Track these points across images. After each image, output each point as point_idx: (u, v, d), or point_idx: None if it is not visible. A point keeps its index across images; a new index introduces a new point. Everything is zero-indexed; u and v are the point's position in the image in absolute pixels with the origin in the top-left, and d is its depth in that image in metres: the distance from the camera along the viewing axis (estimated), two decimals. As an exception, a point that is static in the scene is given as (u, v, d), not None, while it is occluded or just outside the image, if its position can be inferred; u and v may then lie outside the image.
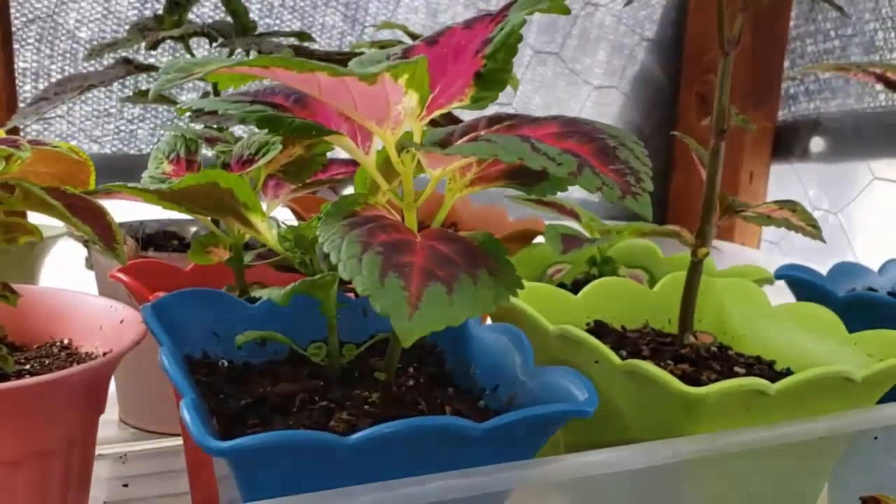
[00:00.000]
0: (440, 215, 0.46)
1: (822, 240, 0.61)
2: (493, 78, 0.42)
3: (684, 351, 0.63)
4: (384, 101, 0.39)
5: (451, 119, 1.07)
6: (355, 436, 0.39)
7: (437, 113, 0.43)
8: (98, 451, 0.88)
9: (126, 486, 0.83)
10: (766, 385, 0.51)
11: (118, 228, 0.58)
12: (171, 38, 0.92)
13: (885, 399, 0.62)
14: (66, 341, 0.67)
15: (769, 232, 1.61)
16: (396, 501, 0.42)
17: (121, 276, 0.72)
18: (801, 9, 1.48)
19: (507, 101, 1.59)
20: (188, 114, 0.79)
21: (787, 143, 1.53)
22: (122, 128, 1.22)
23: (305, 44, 1.02)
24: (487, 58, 0.42)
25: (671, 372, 0.60)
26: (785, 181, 1.56)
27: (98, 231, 0.55)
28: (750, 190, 1.55)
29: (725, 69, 0.58)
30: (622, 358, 0.58)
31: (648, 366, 0.52)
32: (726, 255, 1.49)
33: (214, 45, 0.93)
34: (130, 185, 0.53)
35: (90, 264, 0.98)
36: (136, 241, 0.88)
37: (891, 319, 0.72)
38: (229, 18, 0.99)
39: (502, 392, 0.53)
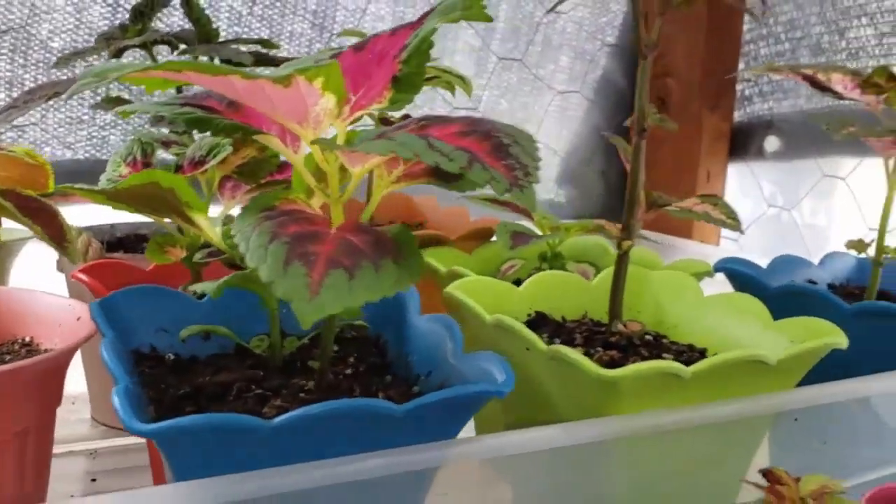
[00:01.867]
0: (368, 209, 0.48)
1: (741, 231, 0.63)
2: (408, 81, 0.44)
3: (613, 338, 0.64)
4: (302, 103, 0.41)
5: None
6: (277, 419, 0.41)
7: (359, 113, 0.45)
8: (69, 447, 0.89)
9: (94, 480, 0.84)
10: (681, 368, 0.52)
11: (70, 229, 0.59)
12: (134, 46, 0.93)
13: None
14: (27, 339, 0.68)
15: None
16: (322, 480, 0.43)
17: (81, 276, 0.73)
18: (755, 12, 1.50)
19: (474, 107, 1.61)
20: (153, 119, 0.80)
21: (744, 142, 1.56)
22: (95, 134, 1.23)
23: (269, 51, 1.04)
24: (403, 63, 0.44)
25: (600, 358, 0.62)
26: (742, 180, 1.58)
27: (49, 231, 0.56)
28: (707, 188, 1.57)
29: (644, 71, 0.60)
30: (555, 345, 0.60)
31: (569, 351, 0.54)
32: (685, 251, 1.51)
33: (175, 52, 0.94)
34: (76, 185, 0.55)
35: (61, 266, 0.99)
36: (101, 243, 0.89)
37: (818, 308, 0.74)
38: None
39: (435, 377, 0.54)
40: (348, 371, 0.55)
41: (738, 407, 0.56)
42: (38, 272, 1.19)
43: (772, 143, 1.49)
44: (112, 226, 1.07)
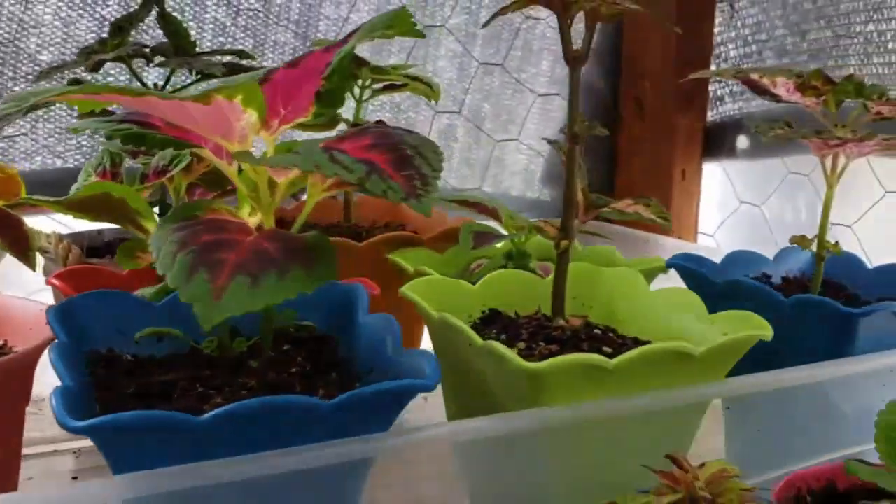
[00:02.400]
0: (302, 215, 0.50)
1: (671, 229, 0.64)
2: (330, 96, 0.46)
3: (555, 333, 0.66)
4: (224, 119, 0.43)
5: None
6: (206, 415, 0.43)
7: (285, 127, 0.47)
8: (55, 447, 0.91)
9: (76, 478, 0.86)
10: (603, 360, 0.54)
11: (34, 238, 0.61)
12: (112, 59, 0.95)
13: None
14: (1, 342, 0.70)
15: (707, 226, 1.65)
16: (258, 472, 0.45)
17: (55, 281, 0.75)
18: (724, 16, 1.52)
19: (457, 109, 1.62)
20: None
21: (717, 141, 1.57)
22: (84, 143, 1.25)
23: (244, 61, 1.06)
24: (326, 79, 0.46)
25: (540, 352, 0.64)
26: (716, 177, 1.60)
27: (10, 240, 0.58)
28: (683, 186, 1.59)
29: (574, 82, 0.61)
30: (499, 341, 0.62)
31: (498, 345, 0.55)
32: (662, 247, 1.52)
33: (152, 65, 0.96)
34: (35, 196, 0.56)
35: (46, 271, 1.01)
36: (81, 249, 0.91)
37: (759, 301, 0.76)
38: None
39: (376, 374, 0.56)
40: (294, 370, 0.57)
41: (664, 397, 0.57)
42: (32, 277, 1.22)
43: (742, 141, 1.50)
44: (100, 231, 1.09)
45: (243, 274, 0.38)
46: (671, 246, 1.53)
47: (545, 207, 1.74)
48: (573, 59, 0.60)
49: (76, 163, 1.26)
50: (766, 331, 0.62)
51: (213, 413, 0.43)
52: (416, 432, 0.50)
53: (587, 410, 0.53)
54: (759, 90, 0.79)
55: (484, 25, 0.64)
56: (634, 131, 1.65)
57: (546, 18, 1.63)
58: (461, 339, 0.61)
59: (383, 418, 0.49)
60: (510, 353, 0.54)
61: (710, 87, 1.57)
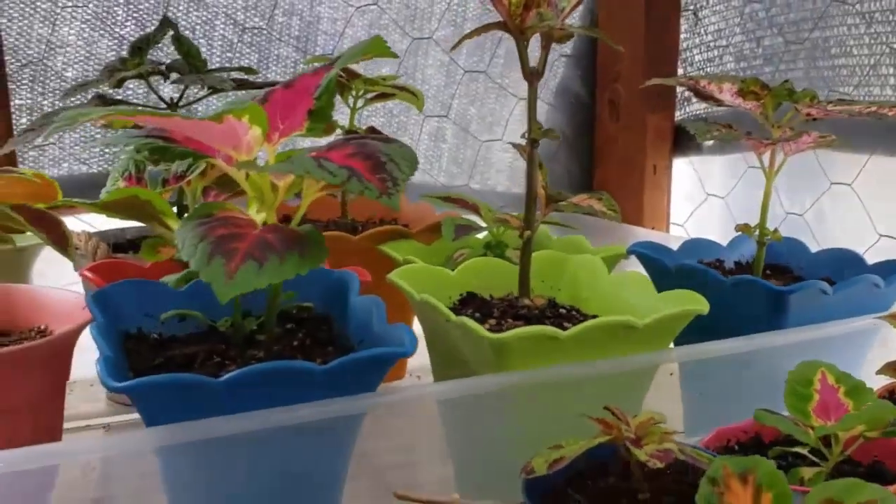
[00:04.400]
0: (299, 213, 0.56)
1: (619, 221, 0.71)
2: (320, 113, 0.53)
3: (522, 311, 0.73)
4: (234, 134, 0.49)
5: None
6: (224, 377, 0.50)
7: (283, 139, 0.54)
8: (87, 422, 0.98)
9: (105, 448, 0.93)
10: (556, 331, 0.61)
11: (71, 235, 0.68)
12: (132, 77, 1.02)
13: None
14: (42, 326, 0.77)
15: (678, 216, 1.72)
16: (265, 424, 0.52)
17: (87, 273, 0.82)
18: (689, 24, 1.58)
19: (445, 114, 1.69)
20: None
21: (685, 138, 1.63)
22: (106, 151, 1.32)
23: (250, 77, 1.13)
24: (317, 99, 0.53)
25: (508, 327, 0.71)
26: (685, 172, 1.67)
27: (52, 237, 0.65)
28: (654, 181, 1.66)
29: (532, 94, 0.68)
30: (473, 318, 0.69)
31: (468, 320, 0.62)
32: (636, 236, 1.59)
33: (167, 81, 1.03)
34: (75, 199, 0.63)
35: (77, 266, 1.07)
36: (108, 245, 0.98)
37: (706, 282, 0.83)
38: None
39: (364, 345, 0.63)
40: (296, 343, 0.64)
41: (609, 364, 0.64)
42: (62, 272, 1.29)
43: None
44: (123, 230, 1.16)
45: (251, 259, 0.45)
46: (642, 235, 1.60)
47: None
48: (530, 76, 0.67)
49: (100, 168, 1.33)
50: (702, 306, 0.69)
51: (228, 375, 0.50)
52: (397, 393, 0.57)
53: (543, 375, 0.60)
54: (703, 96, 0.86)
55: (453, 48, 0.71)
56: (609, 130, 1.72)
57: (527, 28, 1.70)
58: (439, 316, 0.68)
59: (369, 381, 0.57)
60: (477, 326, 0.61)
61: (678, 89, 1.63)
